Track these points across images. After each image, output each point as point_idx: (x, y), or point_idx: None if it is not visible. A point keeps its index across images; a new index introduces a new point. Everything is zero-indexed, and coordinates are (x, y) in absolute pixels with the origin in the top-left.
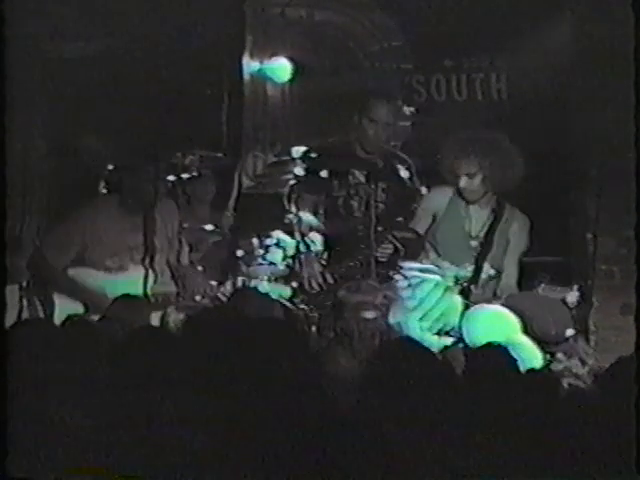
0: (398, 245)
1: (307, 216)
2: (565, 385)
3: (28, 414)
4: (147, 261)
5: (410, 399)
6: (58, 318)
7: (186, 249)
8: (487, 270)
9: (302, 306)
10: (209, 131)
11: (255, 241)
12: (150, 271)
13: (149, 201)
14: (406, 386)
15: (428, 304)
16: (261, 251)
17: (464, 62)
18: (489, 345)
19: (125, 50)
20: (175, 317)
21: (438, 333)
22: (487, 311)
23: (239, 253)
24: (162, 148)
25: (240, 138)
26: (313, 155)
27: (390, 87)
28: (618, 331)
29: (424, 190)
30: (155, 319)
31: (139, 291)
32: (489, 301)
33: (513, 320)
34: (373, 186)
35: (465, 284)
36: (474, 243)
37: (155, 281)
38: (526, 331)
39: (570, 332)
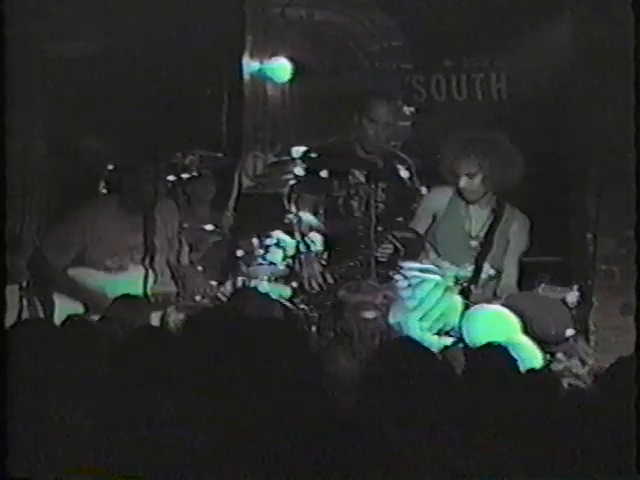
0: (398, 245)
1: (307, 216)
2: (565, 385)
3: (28, 414)
4: (147, 261)
5: (410, 399)
6: (58, 318)
7: (186, 249)
8: (487, 270)
9: (302, 306)
10: (209, 131)
11: (255, 241)
12: (150, 271)
13: (149, 201)
14: (406, 386)
15: (428, 304)
16: (261, 251)
17: (464, 62)
18: (489, 345)
19: (125, 50)
20: (175, 317)
21: (438, 333)
22: (487, 311)
23: (239, 253)
24: (162, 148)
25: (240, 138)
26: (313, 155)
27: (390, 87)
28: (618, 331)
29: (424, 190)
30: (155, 319)
31: (139, 291)
32: (489, 301)
33: (513, 320)
34: (373, 186)
35: (465, 284)
36: (474, 243)
37: (155, 281)
38: (526, 331)
39: (570, 332)
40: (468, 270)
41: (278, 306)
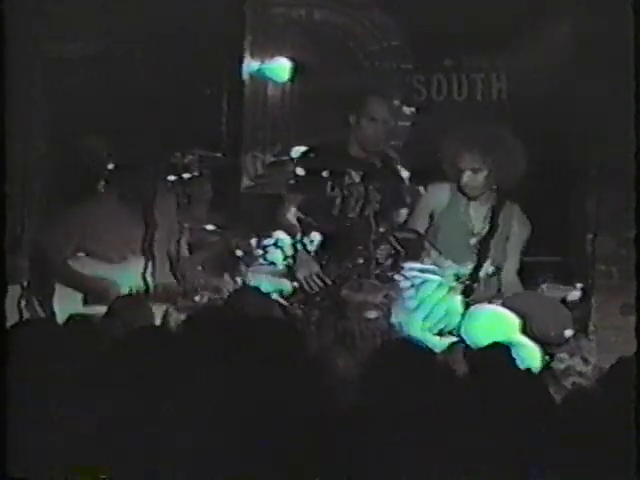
0: (398, 246)
1: (307, 218)
2: (569, 384)
3: (28, 414)
4: (147, 251)
5: (411, 399)
6: (58, 308)
7: (185, 244)
8: (487, 267)
9: (302, 306)
10: (209, 131)
11: (255, 241)
12: (150, 261)
13: (148, 194)
14: (407, 386)
15: (430, 304)
16: (261, 251)
17: (464, 62)
18: (493, 345)
19: (125, 50)
20: (176, 317)
21: (440, 333)
22: (486, 311)
23: (239, 253)
24: (162, 148)
25: (240, 138)
26: (312, 155)
27: (390, 87)
28: (618, 331)
29: (422, 189)
30: (156, 312)
31: (139, 281)
32: (492, 298)
33: (512, 320)
34: (372, 186)
35: (467, 282)
36: (474, 240)
37: (155, 271)
38: (525, 331)
39: (569, 333)
40: (469, 268)
41: (277, 306)
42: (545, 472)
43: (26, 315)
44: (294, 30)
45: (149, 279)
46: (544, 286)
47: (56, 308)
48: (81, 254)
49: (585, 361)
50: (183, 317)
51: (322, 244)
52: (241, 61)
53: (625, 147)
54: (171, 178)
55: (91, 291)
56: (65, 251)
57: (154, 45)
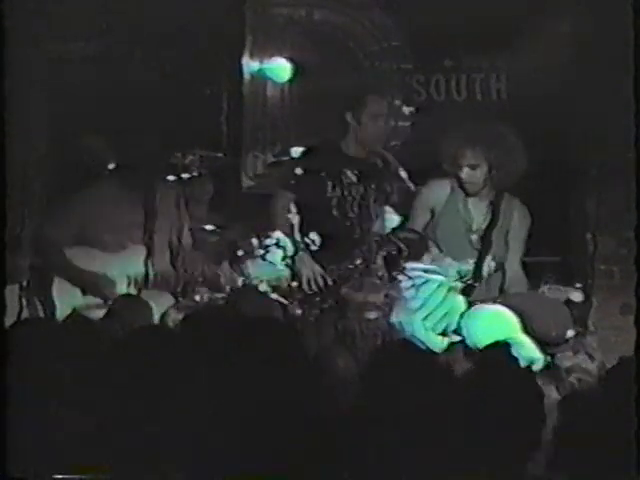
0: (402, 245)
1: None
2: (574, 380)
3: (28, 414)
4: (147, 240)
5: (411, 399)
6: (58, 298)
7: (189, 242)
8: (489, 263)
9: (304, 306)
10: (209, 131)
11: (255, 241)
12: (150, 250)
13: (149, 187)
14: (407, 386)
15: (432, 304)
16: (261, 251)
17: (464, 62)
18: (494, 345)
19: (125, 50)
20: (175, 317)
21: (441, 333)
22: (487, 311)
23: (239, 253)
24: (162, 148)
25: (240, 138)
26: (312, 155)
27: (390, 87)
28: (618, 331)
29: (421, 188)
30: (155, 309)
31: (138, 270)
32: (495, 296)
33: (513, 319)
34: (372, 186)
35: (469, 279)
36: (475, 237)
37: (153, 260)
38: (526, 331)
39: (570, 333)
40: (470, 265)
41: (277, 306)
42: (546, 471)
43: (26, 315)
44: (294, 30)
45: (150, 268)
46: (546, 288)
47: (56, 300)
48: (80, 245)
49: (591, 357)
50: (182, 316)
51: (322, 244)
52: (241, 61)
53: (625, 147)
54: (171, 178)
55: (88, 284)
56: (64, 238)
57: (154, 45)
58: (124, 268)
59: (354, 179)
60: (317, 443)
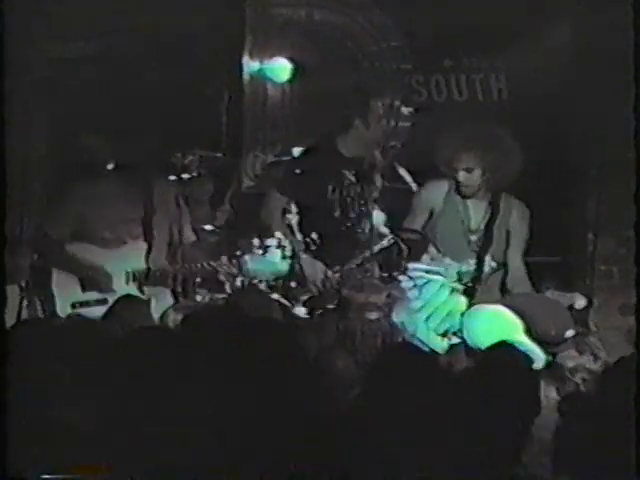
0: (402, 245)
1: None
2: (578, 380)
3: (28, 414)
4: (146, 236)
5: (413, 400)
6: (57, 295)
7: (190, 238)
8: (489, 263)
9: (303, 306)
10: (209, 131)
11: (255, 241)
12: (149, 246)
13: (148, 183)
14: (408, 387)
15: (434, 304)
16: (261, 251)
17: (464, 62)
18: (496, 345)
19: (125, 50)
20: (174, 317)
21: (443, 334)
22: (488, 311)
23: (239, 253)
24: (162, 148)
25: (240, 138)
26: (312, 155)
27: (389, 87)
28: (618, 331)
29: (420, 188)
30: (154, 309)
31: (137, 266)
32: (496, 294)
33: (514, 319)
34: (372, 186)
35: (469, 280)
36: (474, 237)
37: (152, 257)
38: (527, 331)
39: (570, 333)
40: (470, 265)
41: (277, 306)
42: (546, 471)
43: (26, 315)
44: (294, 30)
45: (149, 263)
46: (548, 293)
47: (56, 295)
48: (79, 241)
49: (595, 358)
50: (181, 317)
51: (322, 245)
52: (241, 61)
53: (625, 147)
54: (171, 178)
55: (88, 279)
56: (64, 232)
57: (154, 45)
58: (123, 264)
59: (352, 179)
60: (317, 443)
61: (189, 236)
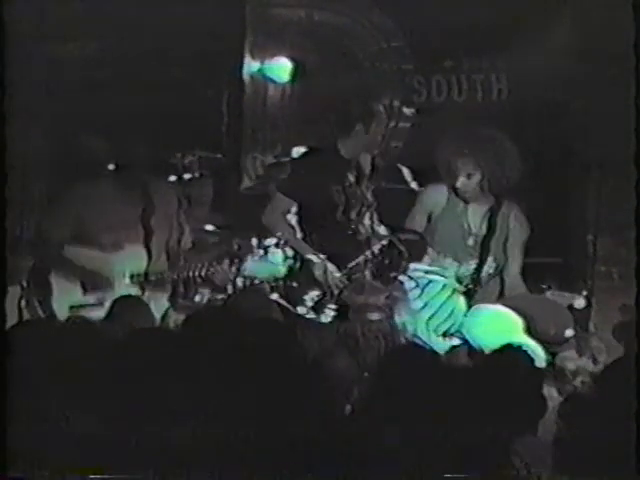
0: (402, 247)
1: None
2: (578, 383)
3: (28, 414)
4: (145, 240)
5: (414, 400)
6: (57, 298)
7: (188, 244)
8: (488, 267)
9: (303, 307)
10: (209, 131)
11: (255, 241)
12: (147, 249)
13: (148, 187)
14: (409, 387)
15: (436, 305)
16: (261, 251)
17: (464, 62)
18: (505, 347)
19: (125, 50)
20: (175, 317)
21: (444, 334)
22: (489, 311)
23: (239, 253)
24: (162, 148)
25: (240, 139)
26: (312, 156)
27: (390, 88)
28: (618, 332)
29: (420, 189)
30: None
31: (135, 269)
32: (495, 298)
33: (515, 320)
34: (373, 188)
35: (469, 283)
36: (472, 241)
37: (150, 261)
38: (528, 331)
39: (569, 333)
40: (470, 268)
41: (277, 307)
42: (547, 471)
43: (26, 315)
44: (294, 30)
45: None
46: (548, 293)
47: (54, 298)
48: (78, 244)
49: (595, 360)
50: (182, 317)
51: (326, 246)
52: (241, 61)
53: (625, 147)
54: (172, 179)
55: (86, 279)
56: (63, 235)
57: (154, 45)
58: (122, 267)
59: (353, 180)
60: (318, 443)
61: (188, 240)
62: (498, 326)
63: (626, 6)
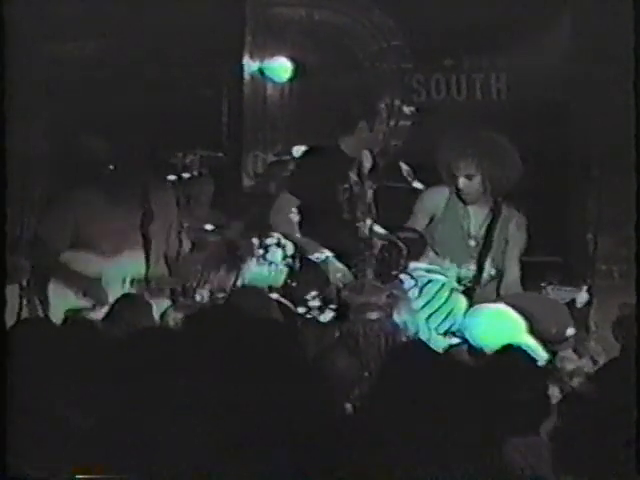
0: (402, 245)
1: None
2: (575, 385)
3: (28, 414)
4: (144, 244)
5: (414, 399)
6: (53, 308)
7: (188, 245)
8: (488, 269)
9: (303, 306)
10: (209, 131)
11: (255, 241)
12: (146, 254)
13: (146, 189)
14: (410, 386)
15: (436, 304)
16: (261, 251)
17: (464, 62)
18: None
19: (125, 50)
20: (175, 316)
21: (444, 333)
22: (490, 310)
23: (240, 253)
24: (162, 148)
25: (240, 138)
26: (313, 155)
27: (390, 87)
28: (617, 331)
29: (421, 188)
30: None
31: (134, 275)
32: (492, 301)
33: (516, 319)
34: (374, 186)
35: (468, 284)
36: (473, 243)
37: (149, 266)
38: (529, 330)
39: (570, 331)
40: (469, 270)
41: (277, 306)
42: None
43: (26, 315)
44: (294, 30)
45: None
46: (550, 289)
47: (50, 301)
48: (76, 249)
49: (594, 362)
50: (181, 316)
51: (328, 243)
52: (241, 61)
53: (625, 147)
54: (171, 178)
55: (84, 288)
56: (61, 241)
57: (154, 45)
58: (120, 273)
59: (356, 179)
60: (318, 443)
61: (187, 244)
62: (499, 326)
63: (626, 6)
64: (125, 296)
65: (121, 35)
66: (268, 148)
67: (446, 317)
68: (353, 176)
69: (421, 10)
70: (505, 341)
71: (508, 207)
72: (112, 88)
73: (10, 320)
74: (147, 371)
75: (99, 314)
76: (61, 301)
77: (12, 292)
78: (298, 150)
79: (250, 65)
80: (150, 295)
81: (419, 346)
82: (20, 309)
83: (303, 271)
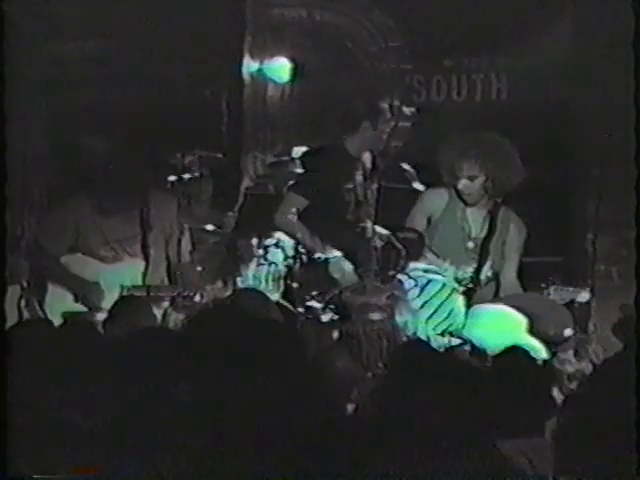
0: (400, 246)
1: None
2: (574, 387)
3: (28, 414)
4: (143, 251)
5: (415, 399)
6: (49, 307)
7: (187, 247)
8: (487, 271)
9: (304, 307)
10: (209, 131)
11: (255, 241)
12: (146, 262)
13: (146, 193)
14: (410, 386)
15: (435, 304)
16: (261, 251)
17: (464, 62)
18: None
19: (125, 50)
20: (175, 317)
21: (444, 333)
22: (490, 310)
23: (240, 253)
24: (162, 148)
25: (240, 138)
26: (313, 156)
27: (390, 87)
28: (617, 331)
29: (422, 190)
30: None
31: (133, 282)
32: (492, 301)
33: (517, 319)
34: (375, 186)
35: (468, 285)
36: (472, 244)
37: (146, 273)
38: (529, 330)
39: (569, 332)
40: (468, 271)
41: (276, 307)
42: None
43: (26, 315)
44: (294, 30)
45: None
46: (551, 289)
47: (47, 304)
48: (75, 253)
49: (594, 365)
50: (182, 317)
51: (334, 243)
52: (241, 61)
53: (625, 147)
54: (171, 178)
55: (82, 293)
56: (60, 247)
57: (154, 45)
58: (119, 279)
59: (360, 179)
60: (319, 443)
61: (188, 244)
62: (500, 326)
63: (626, 6)
64: (125, 297)
65: (121, 35)
66: (268, 149)
67: (445, 318)
68: (359, 176)
69: (421, 10)
70: (506, 341)
71: (506, 211)
72: (112, 88)
73: (10, 320)
74: (147, 371)
75: (99, 315)
76: (59, 303)
77: (12, 292)
78: (298, 151)
79: (250, 65)
80: (149, 300)
81: (420, 346)
82: (20, 309)
83: (304, 271)
